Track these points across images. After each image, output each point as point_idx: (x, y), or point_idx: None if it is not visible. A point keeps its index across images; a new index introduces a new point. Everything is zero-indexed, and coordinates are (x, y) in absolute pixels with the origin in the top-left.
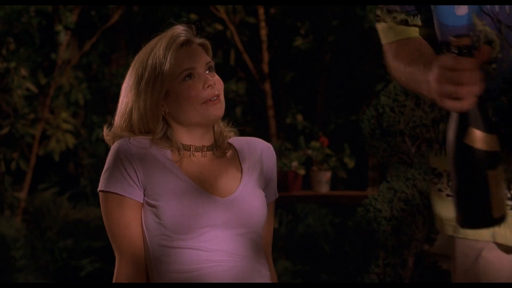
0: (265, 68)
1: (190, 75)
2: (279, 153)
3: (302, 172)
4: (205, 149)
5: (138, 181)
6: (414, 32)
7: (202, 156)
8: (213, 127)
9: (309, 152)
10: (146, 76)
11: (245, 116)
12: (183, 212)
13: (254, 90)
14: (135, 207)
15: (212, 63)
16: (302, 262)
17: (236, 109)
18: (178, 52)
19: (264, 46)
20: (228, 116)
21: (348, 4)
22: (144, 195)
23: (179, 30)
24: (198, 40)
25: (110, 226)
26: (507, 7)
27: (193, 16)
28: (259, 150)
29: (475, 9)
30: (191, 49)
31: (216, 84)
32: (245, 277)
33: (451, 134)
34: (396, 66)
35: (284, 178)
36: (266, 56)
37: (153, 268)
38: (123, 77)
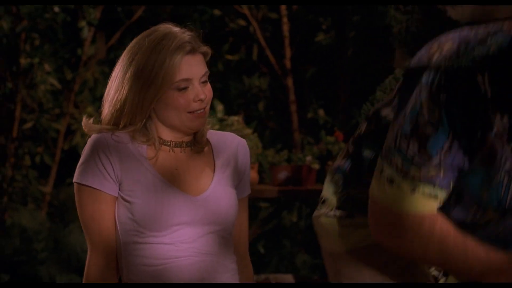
0: (288, 63)
1: (186, 86)
2: (301, 147)
3: (316, 166)
4: (184, 145)
5: (114, 175)
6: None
7: (181, 152)
8: None
9: (323, 146)
10: (145, 74)
11: (268, 111)
12: (155, 209)
13: (277, 85)
14: (109, 201)
15: (208, 73)
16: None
17: (259, 104)
18: (181, 61)
19: (287, 41)
20: (251, 111)
21: (368, 4)
22: (119, 190)
23: (187, 37)
24: (201, 49)
25: (83, 218)
26: None
27: (216, 12)
28: (234, 146)
29: None
30: (193, 59)
31: (207, 97)
32: (209, 272)
33: None
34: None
35: (298, 172)
36: (288, 52)
37: (122, 260)
38: None
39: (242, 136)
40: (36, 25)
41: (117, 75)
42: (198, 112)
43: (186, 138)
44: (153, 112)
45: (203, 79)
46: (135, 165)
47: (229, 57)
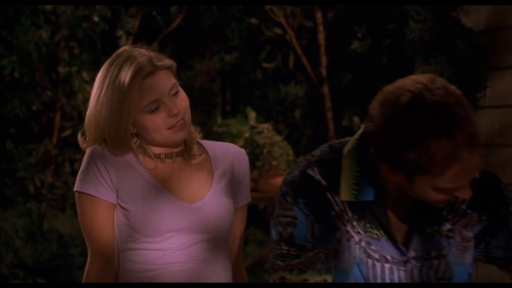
0: (323, 71)
1: (157, 107)
2: None
3: None
4: (174, 155)
5: (111, 182)
6: None
7: (172, 162)
8: None
9: None
10: (115, 100)
11: (304, 118)
12: (149, 216)
13: (313, 93)
14: (108, 208)
15: (176, 85)
16: None
17: (295, 112)
18: (141, 86)
19: (322, 49)
20: (288, 118)
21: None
22: (117, 197)
23: (143, 61)
24: (163, 66)
25: (83, 224)
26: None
27: (253, 21)
28: (231, 156)
29: (360, 281)
30: (155, 78)
31: (182, 107)
32: (201, 279)
33: None
34: None
35: None
36: (324, 60)
37: (120, 265)
38: (188, 80)
39: (271, 143)
40: (75, 34)
41: (93, 98)
42: (178, 125)
43: (175, 149)
44: (139, 134)
45: (172, 92)
46: (130, 172)
47: (266, 65)
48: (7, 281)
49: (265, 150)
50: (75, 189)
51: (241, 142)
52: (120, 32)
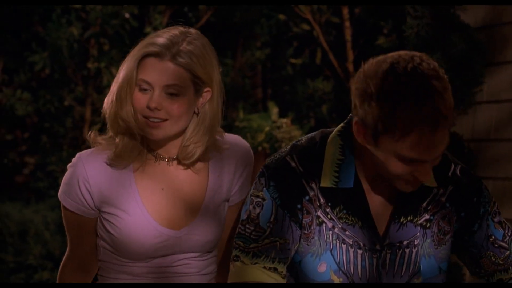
0: (350, 67)
1: (146, 89)
2: None
3: None
4: (171, 158)
5: (94, 205)
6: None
7: (168, 165)
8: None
9: None
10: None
11: (331, 113)
12: (133, 243)
13: (340, 88)
14: (90, 221)
15: (176, 87)
16: None
17: (323, 107)
18: (144, 61)
19: (349, 45)
20: (315, 113)
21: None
22: (100, 211)
23: (160, 40)
24: (176, 60)
25: (66, 227)
26: (360, 269)
27: (281, 17)
28: (237, 156)
29: (333, 267)
30: (158, 64)
31: (167, 111)
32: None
33: None
34: None
35: None
36: (350, 55)
37: (100, 269)
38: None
39: (289, 138)
40: (105, 31)
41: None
42: (150, 120)
43: (173, 152)
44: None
45: (168, 91)
46: (119, 193)
47: (293, 60)
48: (35, 271)
49: (283, 145)
50: (59, 195)
51: (262, 137)
52: (148, 29)
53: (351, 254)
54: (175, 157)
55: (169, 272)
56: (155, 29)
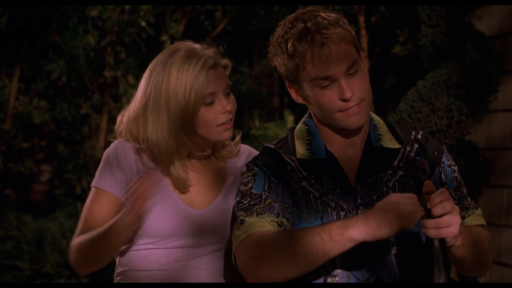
0: None
1: (212, 100)
2: None
3: None
4: (203, 157)
5: (126, 183)
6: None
7: (198, 164)
8: None
9: None
10: (178, 95)
11: None
12: (160, 222)
13: None
14: (115, 203)
15: (230, 85)
16: None
17: None
18: (207, 76)
19: (365, 53)
20: None
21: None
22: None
23: (210, 53)
24: (223, 63)
25: (85, 210)
26: None
27: None
28: (243, 159)
29: None
30: (216, 73)
31: (232, 108)
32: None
33: None
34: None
35: None
36: (367, 63)
37: (118, 261)
38: (236, 83)
39: None
40: (121, 39)
41: (141, 92)
42: (226, 123)
43: (206, 152)
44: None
45: (226, 91)
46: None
47: None
48: (52, 280)
49: None
50: (92, 184)
51: None
52: (164, 37)
53: (335, 217)
54: (206, 156)
55: (186, 265)
56: (172, 37)
